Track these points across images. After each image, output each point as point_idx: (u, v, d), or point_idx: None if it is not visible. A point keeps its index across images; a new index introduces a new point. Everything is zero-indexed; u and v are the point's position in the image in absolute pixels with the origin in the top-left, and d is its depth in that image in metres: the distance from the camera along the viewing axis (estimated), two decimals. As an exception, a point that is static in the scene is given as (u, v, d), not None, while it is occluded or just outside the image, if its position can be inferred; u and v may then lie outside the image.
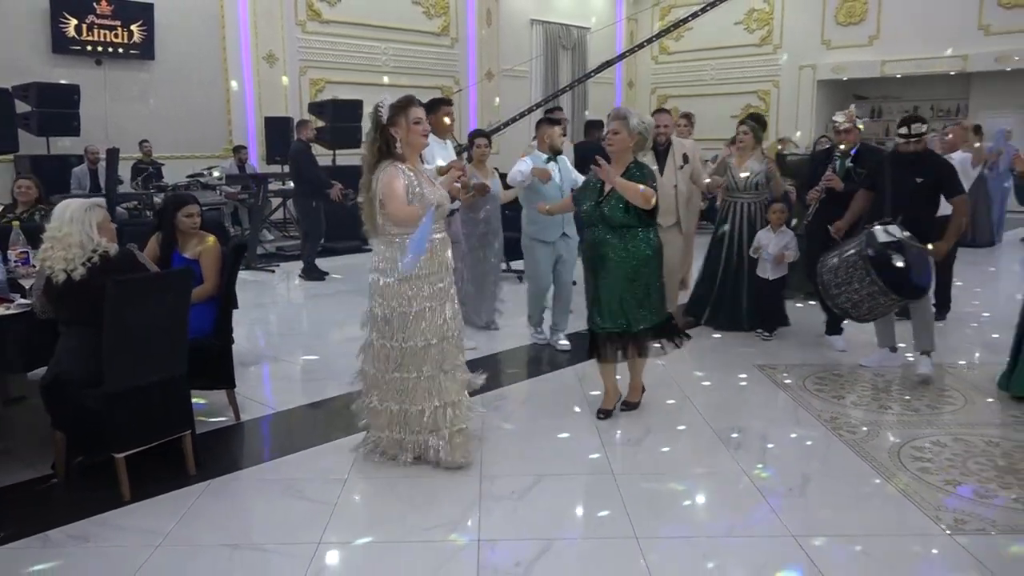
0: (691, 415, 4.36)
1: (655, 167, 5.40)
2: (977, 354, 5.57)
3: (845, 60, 15.28)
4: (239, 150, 11.60)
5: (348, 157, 10.55)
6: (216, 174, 10.51)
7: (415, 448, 3.58)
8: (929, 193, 4.82)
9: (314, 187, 8.45)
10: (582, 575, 2.81)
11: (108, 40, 10.97)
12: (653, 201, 3.95)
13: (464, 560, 2.86)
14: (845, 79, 15.54)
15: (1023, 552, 2.91)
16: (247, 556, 2.88)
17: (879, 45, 14.85)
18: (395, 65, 13.91)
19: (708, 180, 6.07)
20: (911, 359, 5.16)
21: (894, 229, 4.62)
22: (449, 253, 3.59)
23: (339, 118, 10.87)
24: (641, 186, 3.90)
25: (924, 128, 4.83)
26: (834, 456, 3.83)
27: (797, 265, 6.01)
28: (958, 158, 7.03)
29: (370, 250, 3.72)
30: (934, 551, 2.94)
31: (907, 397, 4.60)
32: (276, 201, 11.57)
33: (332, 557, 2.89)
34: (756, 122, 6.27)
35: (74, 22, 10.63)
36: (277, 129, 11.61)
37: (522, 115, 11.91)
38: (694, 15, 10.34)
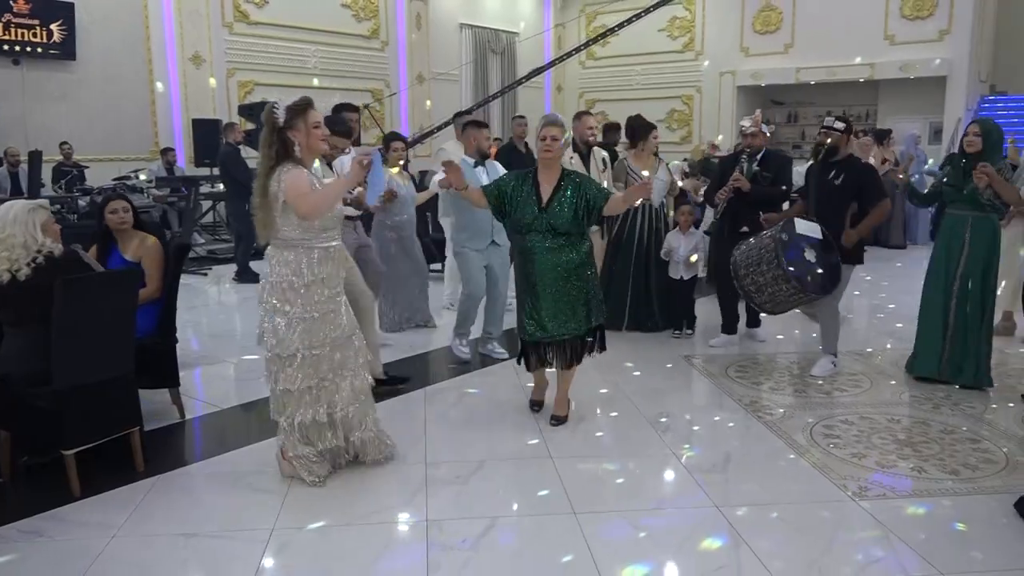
0: (622, 402, 4.61)
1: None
2: (882, 342, 6.00)
3: (762, 67, 15.95)
4: (167, 152, 11.42)
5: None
6: (143, 177, 10.35)
7: (340, 452, 3.56)
8: (847, 195, 4.89)
9: (246, 190, 8.41)
10: (526, 548, 3.00)
11: (26, 39, 10.67)
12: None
13: (413, 539, 3.03)
14: (763, 85, 16.22)
15: (918, 512, 3.24)
16: (203, 543, 2.98)
17: (794, 53, 15.56)
18: (325, 68, 13.88)
19: (682, 182, 6.42)
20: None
21: (815, 227, 4.80)
22: (344, 257, 3.58)
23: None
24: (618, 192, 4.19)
25: (839, 124, 4.91)
26: (753, 436, 4.14)
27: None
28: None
29: None
30: (841, 515, 3.24)
31: (819, 382, 4.95)
32: (206, 204, 11.43)
33: (287, 541, 3.01)
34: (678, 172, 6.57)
35: (-10, 21, 10.31)
36: (205, 131, 11.46)
37: (446, 124, 12.04)
38: (622, 25, 10.67)
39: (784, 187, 5.61)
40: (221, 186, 9.53)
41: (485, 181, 5.06)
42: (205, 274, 9.04)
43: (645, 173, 5.87)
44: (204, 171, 11.54)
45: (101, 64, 11.43)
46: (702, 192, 8.05)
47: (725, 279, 5.53)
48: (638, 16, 10.63)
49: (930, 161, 11.10)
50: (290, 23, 13.36)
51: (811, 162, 5.22)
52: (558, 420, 4.22)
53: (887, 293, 7.92)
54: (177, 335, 4.34)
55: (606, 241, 6.24)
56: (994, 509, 3.26)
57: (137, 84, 11.92)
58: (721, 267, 5.51)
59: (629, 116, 6.38)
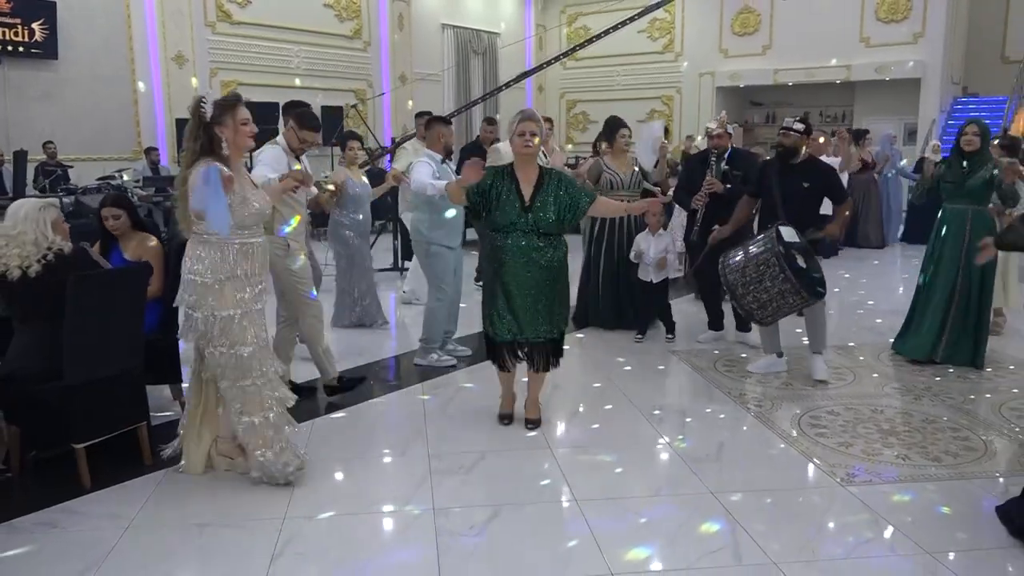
0: (616, 396, 4.73)
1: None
2: (863, 337, 6.16)
3: (741, 68, 16.19)
4: (151, 152, 11.40)
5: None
6: (127, 176, 10.29)
7: (282, 457, 3.40)
8: (815, 198, 5.06)
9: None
10: (531, 534, 3.10)
11: (8, 38, 10.61)
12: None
13: (422, 526, 3.12)
14: (742, 86, 16.46)
15: (903, 498, 3.38)
16: (217, 532, 3.05)
17: (772, 54, 15.82)
18: (308, 68, 13.90)
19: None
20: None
21: (793, 232, 4.80)
22: (267, 257, 3.45)
23: (255, 120, 10.80)
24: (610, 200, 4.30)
25: (798, 125, 4.96)
26: (744, 426, 4.28)
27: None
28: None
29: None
30: (831, 500, 3.38)
31: (805, 374, 5.11)
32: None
33: (299, 529, 3.09)
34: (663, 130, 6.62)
35: (-30, 19, 10.24)
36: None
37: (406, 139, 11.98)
38: (607, 32, 10.78)
39: (753, 185, 5.55)
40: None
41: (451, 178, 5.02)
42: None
43: (621, 171, 6.02)
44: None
45: (83, 63, 11.37)
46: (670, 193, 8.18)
47: (705, 278, 5.71)
48: (623, 24, 10.73)
49: (903, 161, 11.36)
50: (273, 23, 13.37)
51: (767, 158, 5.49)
52: (534, 424, 4.14)
53: (865, 290, 8.12)
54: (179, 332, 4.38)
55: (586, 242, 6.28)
56: (975, 493, 3.41)
57: (120, 84, 11.87)
58: (704, 266, 5.57)
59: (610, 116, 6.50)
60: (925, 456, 3.80)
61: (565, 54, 13.25)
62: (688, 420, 4.35)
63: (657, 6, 12.07)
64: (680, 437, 4.09)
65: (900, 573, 2.84)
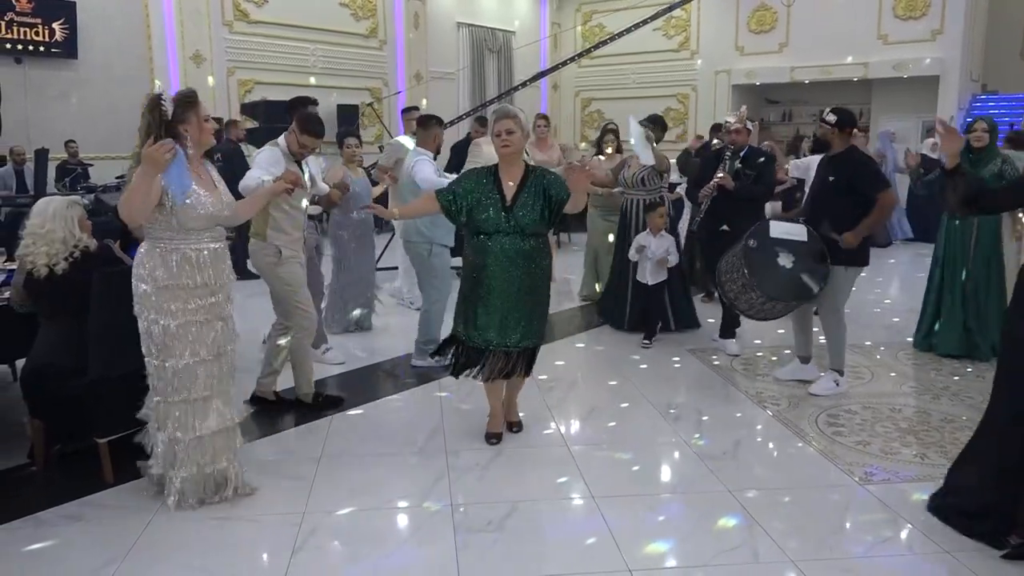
0: (632, 394, 4.74)
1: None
2: (881, 336, 6.13)
3: (757, 66, 16.11)
4: (169, 150, 11.47)
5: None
6: (146, 175, 10.38)
7: (201, 481, 3.22)
8: (842, 193, 4.55)
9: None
10: (549, 530, 3.13)
11: (28, 38, 10.71)
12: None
13: (440, 522, 3.15)
14: (758, 84, 16.38)
15: (921, 497, 3.37)
16: (237, 526, 3.09)
17: (788, 52, 15.73)
18: (324, 67, 13.95)
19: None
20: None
21: (798, 228, 4.60)
22: (229, 267, 3.24)
23: (272, 119, 10.91)
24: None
25: (829, 116, 4.62)
26: (760, 425, 4.27)
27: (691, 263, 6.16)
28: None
29: None
30: (849, 498, 3.38)
31: (822, 373, 5.09)
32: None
33: (318, 524, 3.12)
34: (654, 124, 6.29)
35: (-8, 19, 10.35)
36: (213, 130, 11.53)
37: (451, 123, 12.09)
38: (622, 34, 10.77)
39: (766, 187, 5.58)
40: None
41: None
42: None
43: (631, 172, 6.04)
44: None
45: (102, 63, 11.47)
46: (679, 190, 8.05)
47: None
48: (638, 25, 10.72)
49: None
50: (289, 22, 13.42)
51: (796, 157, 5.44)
52: (517, 427, 4.07)
53: (882, 288, 8.08)
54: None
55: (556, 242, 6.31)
56: (995, 492, 3.40)
57: (138, 83, 11.90)
58: (711, 266, 5.50)
59: (651, 115, 6.60)
60: (944, 455, 3.78)
61: (582, 54, 13.27)
62: (705, 418, 4.35)
63: (676, 6, 12.02)
64: (697, 435, 4.09)
65: (919, 572, 2.83)
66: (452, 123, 10.62)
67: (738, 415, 4.42)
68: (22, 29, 10.63)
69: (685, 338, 5.97)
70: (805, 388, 4.76)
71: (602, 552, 2.93)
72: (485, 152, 6.11)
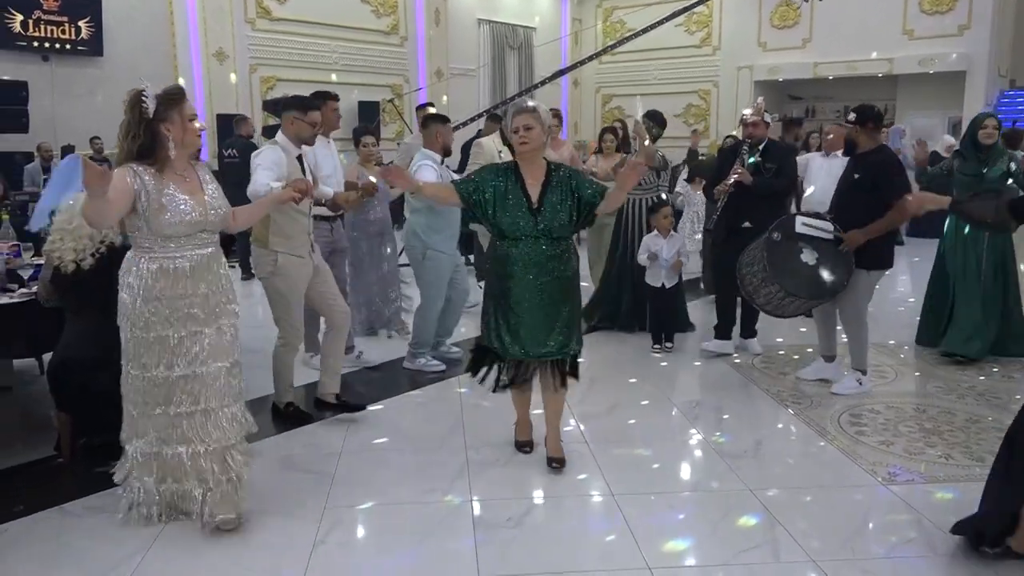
0: (652, 392, 4.73)
1: None
2: (905, 335, 6.04)
3: (780, 62, 15.97)
4: (192, 147, 11.59)
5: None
6: (169, 171, 10.50)
7: (172, 498, 3.04)
8: (861, 191, 4.48)
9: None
10: (568, 527, 3.13)
11: (55, 36, 10.83)
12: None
13: (459, 517, 3.16)
14: (780, 80, 16.24)
15: (946, 497, 3.34)
16: (260, 520, 3.11)
17: (812, 48, 15.57)
18: (345, 63, 14.01)
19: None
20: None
21: (824, 224, 4.52)
22: (222, 273, 3.05)
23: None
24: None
25: (851, 116, 4.57)
26: (782, 424, 4.25)
27: (706, 263, 5.99)
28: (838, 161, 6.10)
29: None
30: (872, 498, 3.35)
31: (845, 373, 5.04)
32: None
33: (340, 519, 3.14)
34: (653, 119, 6.14)
35: (20, 17, 10.47)
36: (229, 126, 11.62)
37: (472, 120, 12.06)
38: (647, 29, 10.69)
39: (788, 181, 5.39)
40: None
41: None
42: (233, 266, 9.19)
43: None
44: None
45: (127, 61, 11.58)
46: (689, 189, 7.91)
47: (725, 280, 5.30)
48: (661, 22, 10.64)
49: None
50: (311, 19, 13.48)
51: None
52: (560, 464, 3.60)
53: (905, 287, 8.00)
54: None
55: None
56: (1021, 494, 3.35)
57: (162, 80, 11.65)
58: (721, 267, 5.37)
59: (650, 110, 6.34)
60: (969, 456, 3.74)
61: (603, 51, 13.17)
62: (725, 417, 4.33)
63: (699, 2, 11.92)
64: (717, 433, 4.07)
65: (942, 573, 2.80)
66: (472, 120, 10.62)
67: (759, 413, 4.40)
68: (49, 27, 10.76)
69: (705, 337, 5.91)
70: (827, 387, 4.72)
71: (621, 549, 2.92)
72: (487, 150, 5.94)
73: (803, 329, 6.15)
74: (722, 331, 5.47)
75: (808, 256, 4.46)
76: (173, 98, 2.87)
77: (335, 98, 4.90)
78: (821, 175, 6.09)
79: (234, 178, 8.77)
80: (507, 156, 5.06)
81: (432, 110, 6.88)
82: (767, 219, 4.85)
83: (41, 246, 3.79)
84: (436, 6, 15.40)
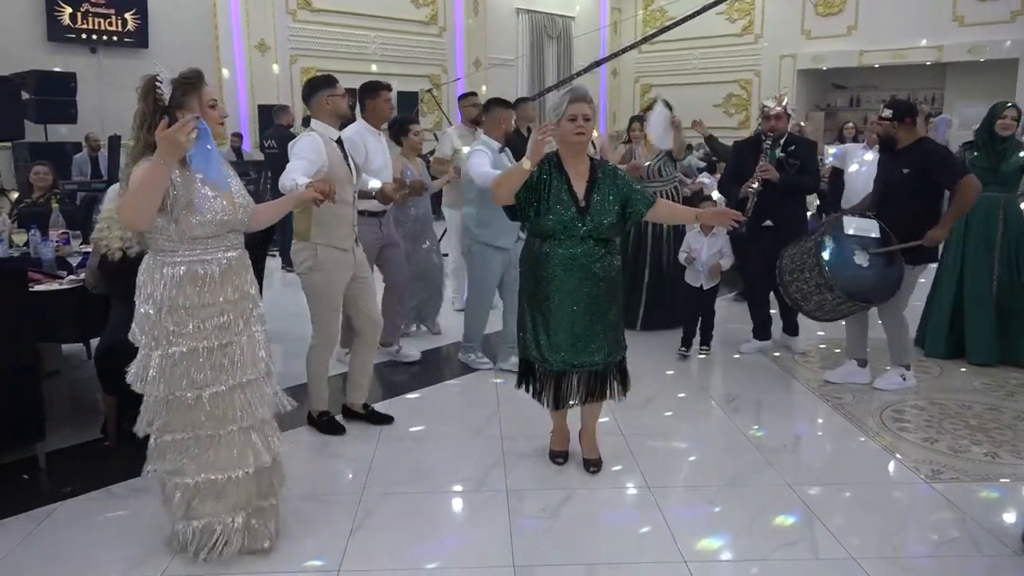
0: (690, 384, 4.70)
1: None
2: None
3: (824, 50, 15.67)
4: (234, 137, 11.78)
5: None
6: (212, 161, 10.69)
7: (207, 528, 2.73)
8: (917, 187, 4.29)
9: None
10: (604, 519, 3.12)
11: (103, 28, 11.07)
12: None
13: (495, 507, 3.17)
14: (824, 68, 15.94)
15: (992, 496, 3.26)
16: (299, 504, 3.15)
17: (857, 35, 15.25)
18: (384, 54, 14.10)
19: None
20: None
21: (870, 224, 4.39)
22: (249, 277, 2.77)
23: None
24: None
25: (885, 112, 4.41)
26: (823, 419, 4.19)
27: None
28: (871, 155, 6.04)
29: None
30: (914, 496, 3.28)
31: (888, 368, 4.94)
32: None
33: (376, 505, 3.18)
34: (668, 107, 5.79)
35: (69, 10, 10.71)
36: (270, 116, 11.76)
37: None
38: (687, 18, 10.57)
39: (814, 177, 5.17)
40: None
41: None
42: (273, 255, 9.31)
43: (646, 163, 5.68)
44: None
45: (171, 52, 11.73)
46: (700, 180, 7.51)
47: (756, 279, 5.18)
48: (704, 9, 10.50)
49: None
50: (351, 10, 13.60)
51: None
52: (596, 466, 3.49)
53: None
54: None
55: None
56: (1071, 494, 3.27)
57: (205, 71, 12.12)
58: (750, 266, 5.20)
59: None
60: (1016, 455, 3.65)
61: (643, 40, 13.07)
62: (765, 410, 4.27)
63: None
64: (756, 427, 4.02)
65: (986, 573, 2.74)
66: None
67: (799, 408, 4.34)
68: (96, 20, 11.00)
69: (745, 330, 5.81)
70: (869, 382, 4.64)
71: (656, 542, 2.91)
72: (453, 137, 5.90)
73: (843, 322, 6.04)
74: (761, 332, 5.32)
75: (861, 258, 4.33)
76: (190, 82, 2.64)
77: (388, 88, 4.63)
78: (863, 170, 5.86)
79: (276, 170, 8.90)
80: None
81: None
82: (790, 218, 4.75)
83: (89, 234, 3.88)
84: (475, -4, 15.41)
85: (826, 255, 4.29)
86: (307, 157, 3.58)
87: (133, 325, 2.69)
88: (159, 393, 2.63)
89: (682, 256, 5.21)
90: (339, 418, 4.02)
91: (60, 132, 10.31)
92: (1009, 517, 3.08)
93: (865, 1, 15.06)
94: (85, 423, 3.93)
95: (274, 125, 9.26)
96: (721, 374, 4.91)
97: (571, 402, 3.39)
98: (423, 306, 5.78)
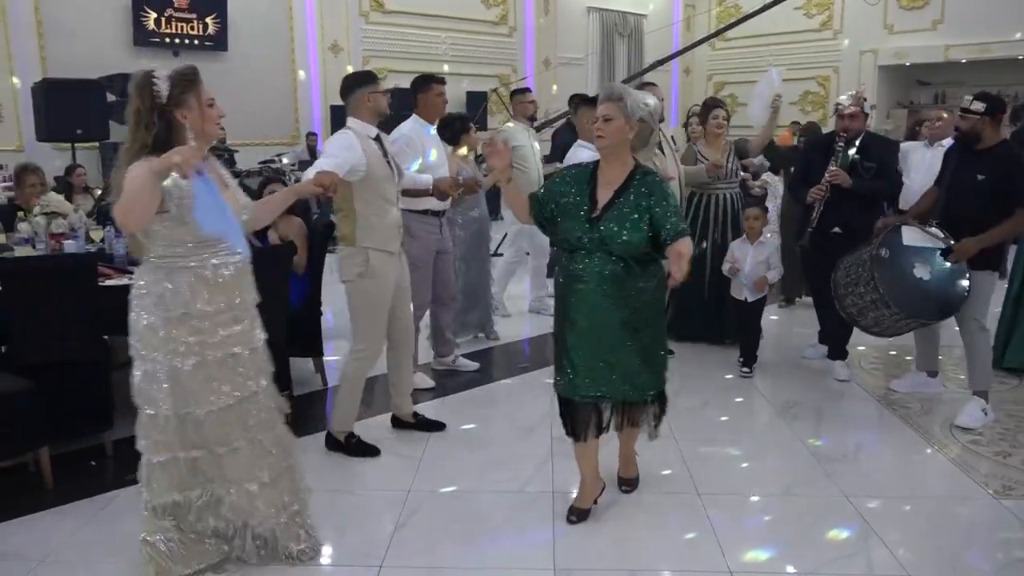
0: (747, 389, 4.58)
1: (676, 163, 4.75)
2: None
3: (908, 45, 15.05)
4: (309, 136, 12.11)
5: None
6: (285, 160, 11.05)
7: (228, 542, 2.69)
8: (987, 195, 3.90)
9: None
10: (649, 524, 3.07)
11: (185, 32, 11.50)
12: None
13: (540, 507, 3.16)
14: (908, 64, 15.31)
15: (1067, 516, 3.08)
16: (347, 500, 3.23)
17: (943, 29, 14.59)
18: (454, 54, 14.22)
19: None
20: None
21: (934, 234, 4.03)
22: (249, 282, 2.65)
23: (402, 106, 11.20)
24: None
25: (976, 105, 3.97)
26: (887, 428, 4.02)
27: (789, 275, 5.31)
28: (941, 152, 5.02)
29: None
30: (981, 512, 3.13)
31: (961, 376, 4.70)
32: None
33: (423, 502, 3.21)
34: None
35: (153, 15, 11.16)
36: (343, 117, 12.00)
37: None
38: (761, 10, 10.32)
39: (891, 182, 4.71)
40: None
41: None
42: (332, 251, 9.50)
43: (714, 158, 5.21)
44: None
45: (249, 55, 12.16)
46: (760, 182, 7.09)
47: (821, 289, 4.65)
48: (775, 2, 10.23)
49: None
50: (421, 11, 13.75)
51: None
52: (630, 485, 3.31)
53: None
54: (321, 308, 4.64)
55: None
56: None
57: (281, 73, 12.62)
58: (817, 275, 4.72)
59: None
60: (1097, 472, 3.44)
61: (714, 34, 12.84)
62: (825, 418, 4.14)
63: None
64: (815, 435, 3.90)
65: (1056, 598, 2.59)
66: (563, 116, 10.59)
67: (862, 417, 4.19)
68: (179, 24, 11.42)
69: (811, 334, 5.63)
70: (937, 391, 4.44)
71: (703, 551, 2.85)
72: (512, 132, 5.85)
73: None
74: (836, 352, 4.83)
75: (921, 271, 3.97)
76: (188, 79, 2.51)
77: (440, 81, 4.49)
78: (923, 168, 5.19)
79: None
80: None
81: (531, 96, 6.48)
82: (861, 224, 4.37)
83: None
84: (546, -5, 15.40)
85: (879, 270, 3.95)
86: (335, 154, 3.43)
87: (130, 339, 2.51)
88: (167, 411, 2.49)
89: (725, 267, 4.86)
90: (387, 427, 3.95)
91: (144, 133, 10.75)
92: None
93: (953, -7, 14.41)
94: (133, 418, 4.04)
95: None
96: (781, 379, 4.76)
97: (590, 435, 3.02)
98: (482, 315, 5.60)
